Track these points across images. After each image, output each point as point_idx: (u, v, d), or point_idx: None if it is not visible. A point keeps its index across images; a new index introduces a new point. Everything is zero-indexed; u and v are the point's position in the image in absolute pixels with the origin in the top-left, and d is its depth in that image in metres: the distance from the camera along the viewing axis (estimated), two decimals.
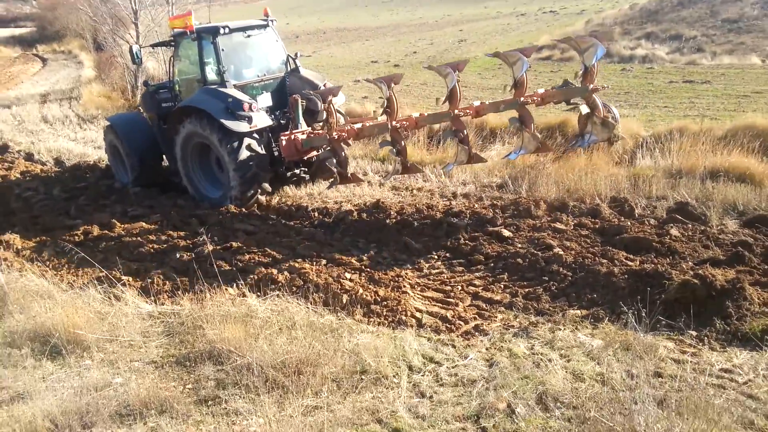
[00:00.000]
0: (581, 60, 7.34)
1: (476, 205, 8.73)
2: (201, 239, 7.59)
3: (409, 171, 8.75)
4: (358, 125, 9.09)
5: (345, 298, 6.02)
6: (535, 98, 7.69)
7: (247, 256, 7.32)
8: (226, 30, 9.66)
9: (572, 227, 7.62)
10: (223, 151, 9.18)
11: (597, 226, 7.53)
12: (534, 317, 5.68)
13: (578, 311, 5.71)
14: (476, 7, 55.60)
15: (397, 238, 7.82)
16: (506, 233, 7.55)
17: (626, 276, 6.03)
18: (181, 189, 10.46)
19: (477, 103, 8.27)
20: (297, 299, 5.75)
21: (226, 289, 6.07)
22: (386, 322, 5.72)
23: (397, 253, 7.51)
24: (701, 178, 8.65)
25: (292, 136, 9.33)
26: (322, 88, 9.91)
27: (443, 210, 8.55)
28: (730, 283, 5.49)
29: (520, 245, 7.21)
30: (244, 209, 9.27)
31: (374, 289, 6.29)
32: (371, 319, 5.76)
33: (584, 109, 7.58)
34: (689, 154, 9.46)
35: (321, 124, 9.28)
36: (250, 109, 9.16)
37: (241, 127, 9.05)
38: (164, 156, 11.21)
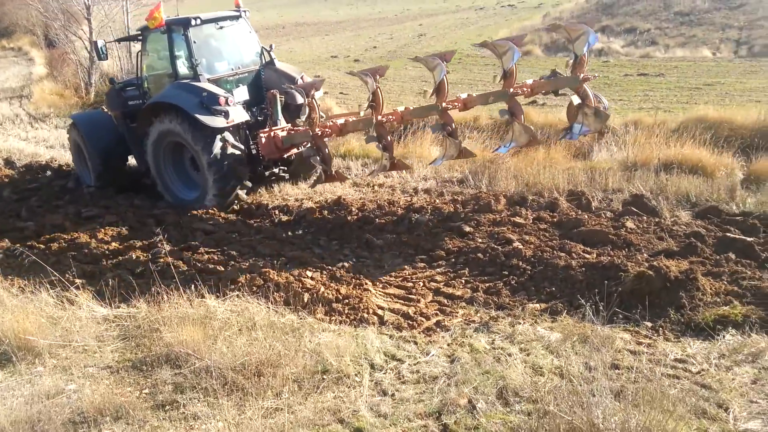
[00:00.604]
0: (572, 49, 7.29)
1: (437, 201, 8.76)
2: (157, 239, 7.43)
3: (396, 167, 8.60)
4: (341, 121, 8.86)
5: (306, 296, 5.97)
6: (524, 89, 7.60)
7: (206, 256, 7.20)
8: (198, 21, 9.25)
9: (531, 221, 7.71)
10: (197, 148, 8.82)
11: (555, 219, 7.63)
12: (494, 312, 5.73)
13: (537, 305, 5.78)
14: (435, 2, 55.72)
15: (358, 235, 7.79)
16: (467, 228, 7.59)
17: (584, 269, 6.13)
18: (155, 193, 9.97)
19: (464, 95, 8.09)
20: (257, 299, 5.68)
21: (184, 290, 5.95)
22: (348, 320, 5.70)
23: (359, 250, 7.48)
24: (655, 171, 8.85)
25: (272, 133, 9.00)
26: (301, 81, 9.67)
27: (405, 206, 8.55)
28: (683, 274, 5.63)
29: (480, 240, 7.26)
30: (213, 210, 8.95)
31: (336, 287, 6.26)
32: (333, 318, 5.73)
33: (575, 100, 7.48)
34: (644, 147, 9.66)
35: (303, 119, 8.90)
36: (227, 103, 8.76)
37: (216, 122, 8.64)
38: (131, 157, 10.80)
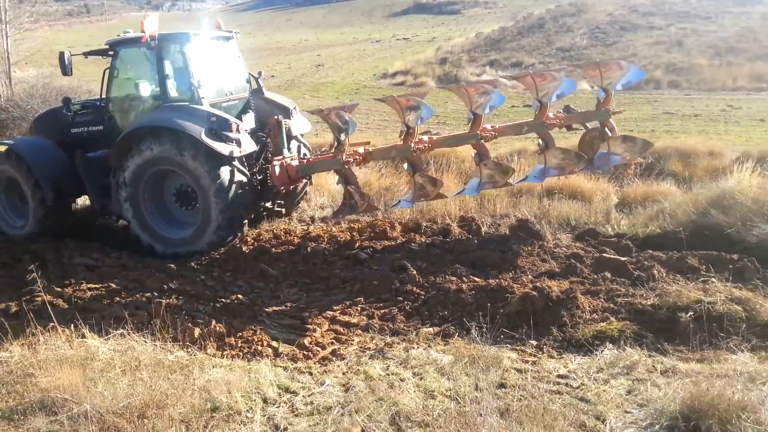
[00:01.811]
0: (601, 84, 8.00)
1: (334, 229, 8.80)
2: (31, 277, 6.88)
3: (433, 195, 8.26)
4: (365, 149, 8.36)
5: (197, 331, 5.78)
6: (556, 121, 8.23)
7: (88, 293, 6.81)
8: (197, 38, 8.46)
9: (425, 247, 7.89)
10: (205, 178, 7.88)
11: (447, 245, 7.86)
12: (390, 338, 5.78)
13: (431, 329, 5.90)
14: (333, 33, 56.61)
15: (253, 266, 7.65)
16: (363, 256, 7.66)
17: (474, 292, 6.34)
18: (104, 235, 8.94)
19: (496, 125, 8.47)
20: (143, 337, 5.43)
21: (63, 331, 5.59)
22: (241, 354, 5.55)
23: (253, 280, 7.35)
24: (539, 197, 9.35)
25: (284, 162, 8.37)
26: (294, 112, 9.17)
27: (301, 235, 8.52)
28: (564, 294, 5.96)
29: (376, 267, 7.34)
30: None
31: (229, 320, 6.10)
32: (225, 352, 5.57)
33: (607, 133, 8.13)
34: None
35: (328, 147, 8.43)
36: (237, 130, 8.03)
37: (229, 150, 7.85)
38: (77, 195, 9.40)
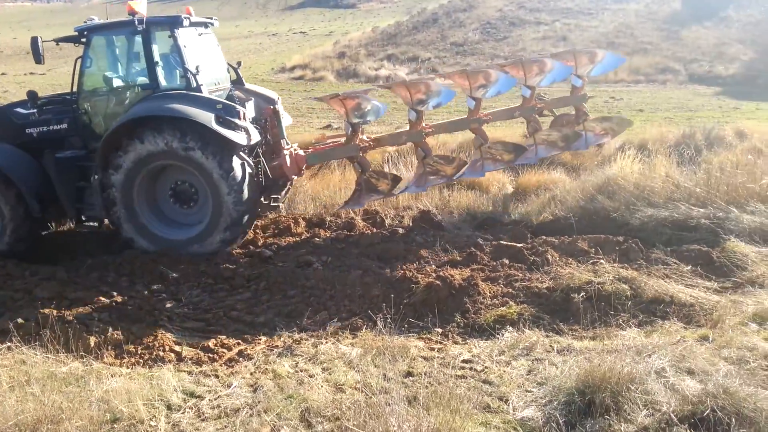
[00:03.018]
0: (577, 71, 8.61)
1: None
2: None
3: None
4: (376, 136, 8.28)
5: (93, 340, 5.48)
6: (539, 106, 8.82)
7: None
8: (187, 22, 7.77)
9: (330, 242, 7.89)
10: (215, 169, 7.26)
11: (352, 238, 7.90)
12: (297, 334, 5.73)
13: (338, 323, 5.91)
14: (227, 26, 55.09)
15: (151, 268, 7.34)
16: (267, 253, 7.55)
17: (380, 284, 6.41)
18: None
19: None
20: (33, 349, 5.08)
21: None
22: (142, 361, 5.33)
23: (152, 284, 7.04)
24: (440, 188, 9.57)
25: (292, 153, 7.94)
26: (278, 103, 8.61)
27: None
28: (466, 281, 6.16)
29: (281, 264, 7.26)
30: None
31: (127, 327, 5.82)
32: (125, 360, 5.33)
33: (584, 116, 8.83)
34: None
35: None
36: (243, 118, 7.46)
37: (241, 138, 7.30)
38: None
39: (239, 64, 9.25)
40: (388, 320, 5.28)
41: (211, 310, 6.36)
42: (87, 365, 5.02)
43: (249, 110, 8.10)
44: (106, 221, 8.16)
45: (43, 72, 30.32)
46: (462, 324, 5.72)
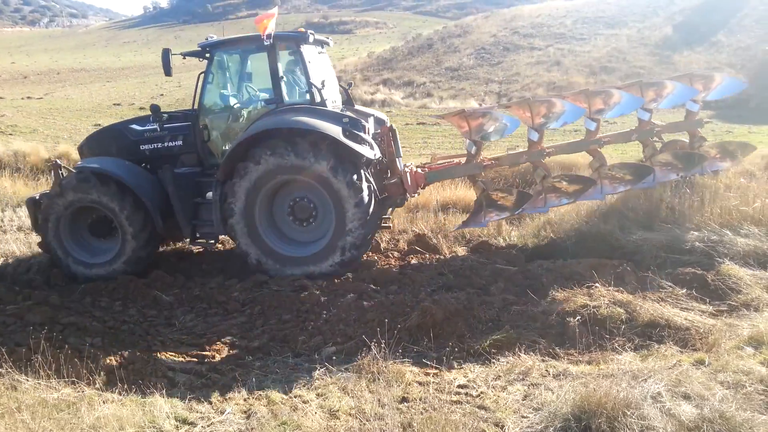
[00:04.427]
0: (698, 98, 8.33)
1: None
2: None
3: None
4: (494, 155, 8.09)
5: (84, 366, 5.42)
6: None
7: None
8: (312, 38, 7.84)
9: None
10: (343, 187, 7.15)
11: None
12: (292, 359, 5.70)
13: (333, 347, 5.87)
14: None
15: (145, 293, 7.32)
16: (263, 277, 7.52)
17: (375, 308, 6.38)
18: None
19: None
20: (25, 375, 5.03)
21: None
22: (134, 387, 5.27)
23: (146, 309, 7.01)
24: (434, 212, 9.60)
25: (411, 171, 7.93)
26: (387, 124, 8.52)
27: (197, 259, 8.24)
28: (461, 305, 6.13)
29: (276, 288, 7.24)
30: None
31: (120, 352, 5.78)
32: (117, 387, 5.26)
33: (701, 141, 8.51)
34: (424, 190, 10.44)
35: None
36: (367, 132, 7.40)
37: (367, 151, 7.22)
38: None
39: (350, 84, 9.21)
40: (383, 345, 5.25)
41: (205, 335, 6.32)
42: (79, 391, 4.96)
43: (371, 126, 8.02)
44: (220, 238, 8.11)
45: (41, 96, 30.48)
46: (457, 348, 5.68)
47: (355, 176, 7.19)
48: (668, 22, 35.61)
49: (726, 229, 7.56)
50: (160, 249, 8.63)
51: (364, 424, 4.05)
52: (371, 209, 7.33)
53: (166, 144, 8.21)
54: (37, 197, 8.21)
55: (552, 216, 8.88)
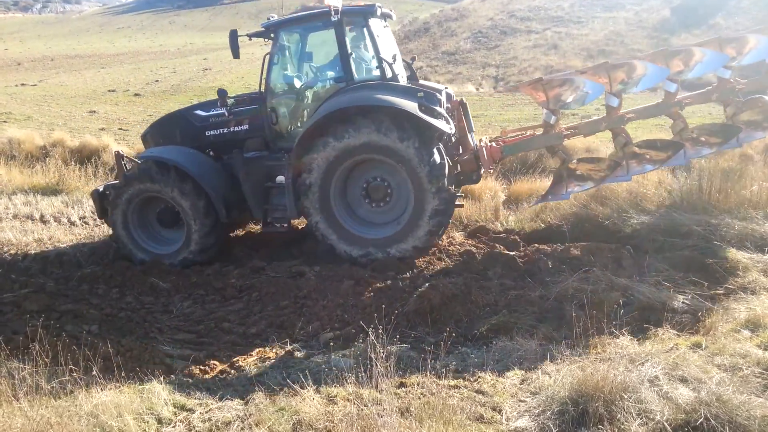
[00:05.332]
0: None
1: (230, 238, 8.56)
2: None
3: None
4: (571, 124, 7.65)
5: (81, 353, 5.41)
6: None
7: None
8: (379, 11, 7.55)
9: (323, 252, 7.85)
10: (418, 160, 6.93)
11: None
12: (290, 345, 5.71)
13: (331, 333, 5.88)
14: (219, 36, 55.21)
15: (142, 280, 7.31)
16: (259, 263, 7.51)
17: (372, 293, 6.39)
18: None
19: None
20: (21, 363, 5.02)
21: None
22: (132, 374, 5.27)
23: (143, 296, 7.01)
24: None
25: (487, 144, 7.71)
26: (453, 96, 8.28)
27: None
28: (459, 290, 6.13)
29: (273, 274, 7.22)
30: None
31: (117, 339, 5.78)
32: (115, 374, 5.26)
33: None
34: None
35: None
36: (442, 106, 7.20)
37: (444, 125, 7.01)
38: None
39: (413, 59, 9.01)
40: (381, 330, 5.24)
41: (203, 322, 6.32)
42: (76, 379, 4.96)
43: (444, 100, 7.71)
44: (292, 222, 8.06)
45: (35, 83, 30.27)
46: (455, 333, 5.69)
47: (429, 150, 7.00)
48: (666, 4, 35.34)
49: (724, 212, 7.55)
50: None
51: (362, 409, 4.05)
52: (446, 183, 7.15)
53: (232, 129, 8.08)
54: (101, 189, 8.20)
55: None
